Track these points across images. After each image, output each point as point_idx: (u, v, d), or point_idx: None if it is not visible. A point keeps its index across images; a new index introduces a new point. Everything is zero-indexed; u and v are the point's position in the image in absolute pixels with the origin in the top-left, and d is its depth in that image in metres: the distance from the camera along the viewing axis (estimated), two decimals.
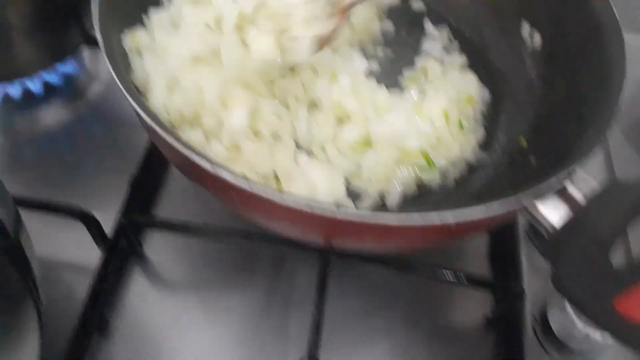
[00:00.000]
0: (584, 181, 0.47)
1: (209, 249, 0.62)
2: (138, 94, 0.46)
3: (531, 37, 0.66)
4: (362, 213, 0.39)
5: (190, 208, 0.64)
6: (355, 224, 0.40)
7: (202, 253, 0.62)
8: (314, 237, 0.48)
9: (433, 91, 0.65)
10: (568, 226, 0.45)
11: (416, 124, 0.59)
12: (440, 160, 0.60)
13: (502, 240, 0.65)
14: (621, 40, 0.52)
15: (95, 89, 0.77)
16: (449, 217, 0.40)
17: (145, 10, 0.61)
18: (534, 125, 0.61)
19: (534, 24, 0.65)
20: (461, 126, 0.62)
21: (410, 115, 0.60)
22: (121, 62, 0.49)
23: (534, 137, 0.61)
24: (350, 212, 0.39)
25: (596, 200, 0.45)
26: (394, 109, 0.60)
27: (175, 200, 0.66)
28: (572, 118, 0.53)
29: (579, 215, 0.45)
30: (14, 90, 0.70)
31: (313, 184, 0.54)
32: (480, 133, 0.65)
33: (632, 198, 0.43)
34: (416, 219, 0.40)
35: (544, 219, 0.46)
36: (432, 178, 0.60)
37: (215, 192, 0.47)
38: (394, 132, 0.58)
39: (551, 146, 0.56)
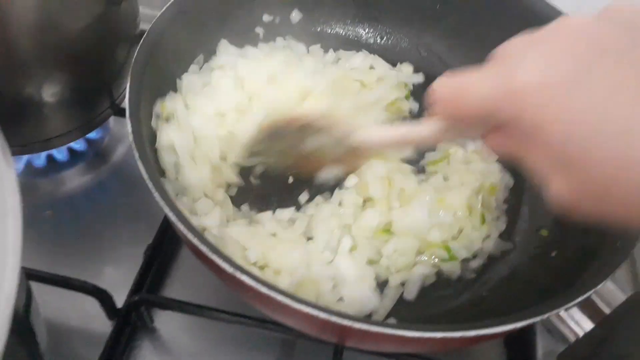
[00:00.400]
0: (608, 291, 0.46)
1: (221, 328, 0.61)
2: (162, 185, 0.46)
3: None
4: (378, 325, 0.38)
5: (204, 285, 0.63)
6: (371, 333, 0.39)
7: (214, 332, 0.61)
8: (328, 337, 0.47)
9: (456, 178, 0.64)
10: (589, 337, 0.44)
11: (438, 215, 0.59)
12: (462, 251, 0.59)
13: (519, 334, 0.63)
14: None
15: (119, 152, 0.78)
16: (470, 332, 0.39)
17: (174, 80, 0.64)
18: (556, 219, 0.61)
19: None
20: (483, 220, 0.61)
21: (433, 206, 0.59)
22: (149, 151, 0.50)
23: (556, 230, 0.60)
24: (366, 323, 0.39)
25: (619, 312, 0.44)
26: (418, 198, 0.60)
27: (187, 277, 0.65)
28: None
29: (602, 327, 0.44)
30: (38, 160, 0.71)
31: (342, 277, 0.53)
32: (502, 222, 0.64)
33: None
34: (435, 333, 0.39)
35: (566, 327, 0.45)
36: (452, 269, 0.59)
37: (230, 287, 0.47)
38: (416, 221, 0.58)
39: (573, 244, 0.56)
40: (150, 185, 0.46)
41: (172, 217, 0.43)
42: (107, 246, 0.68)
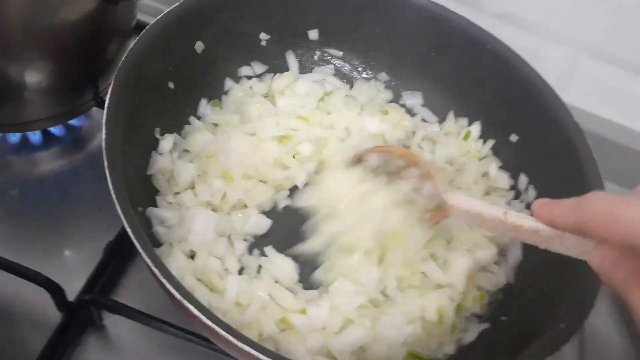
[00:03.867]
0: None
1: (169, 338, 0.61)
2: (124, 192, 0.46)
3: (526, 190, 0.67)
4: None
5: (157, 295, 0.63)
6: None
7: (162, 341, 0.61)
8: None
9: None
10: None
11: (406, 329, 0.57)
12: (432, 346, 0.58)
13: None
14: None
15: (97, 141, 0.77)
16: None
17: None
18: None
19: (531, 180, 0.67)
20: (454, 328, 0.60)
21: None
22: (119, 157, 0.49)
23: (506, 298, 0.62)
24: None
25: None
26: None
27: (143, 282, 0.65)
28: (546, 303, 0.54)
29: None
30: (14, 136, 0.70)
31: None
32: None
33: None
34: None
35: None
36: None
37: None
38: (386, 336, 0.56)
39: (521, 316, 0.57)
40: (111, 188, 0.46)
41: (127, 228, 0.43)
42: (69, 234, 0.68)
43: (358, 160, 0.62)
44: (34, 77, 0.59)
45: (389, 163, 0.59)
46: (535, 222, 0.44)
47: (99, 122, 0.79)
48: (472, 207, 0.50)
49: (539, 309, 0.55)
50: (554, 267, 0.57)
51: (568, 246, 0.43)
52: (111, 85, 0.52)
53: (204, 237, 0.58)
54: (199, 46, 0.68)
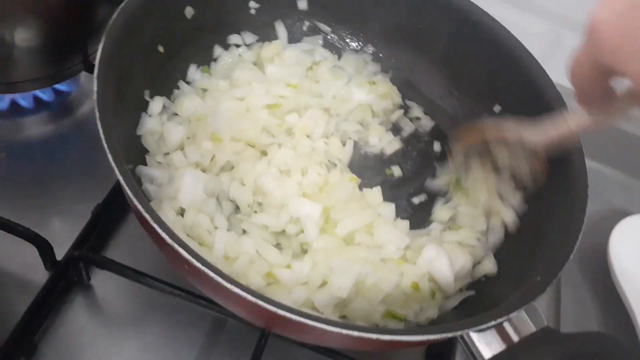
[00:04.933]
0: (522, 321, 0.49)
1: (155, 296, 0.62)
2: (117, 149, 0.46)
3: None
4: (300, 315, 0.40)
5: (145, 253, 0.64)
6: (293, 322, 0.41)
7: (148, 299, 0.62)
8: (256, 321, 0.49)
9: None
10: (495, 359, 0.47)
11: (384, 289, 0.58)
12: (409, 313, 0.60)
13: (440, 348, 0.66)
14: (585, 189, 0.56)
15: (85, 107, 0.77)
16: (385, 336, 0.41)
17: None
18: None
19: None
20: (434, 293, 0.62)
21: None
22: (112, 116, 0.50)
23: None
24: (289, 311, 0.40)
25: (527, 342, 0.47)
26: None
27: (132, 241, 0.66)
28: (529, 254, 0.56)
29: (508, 352, 0.47)
30: (2, 103, 0.70)
31: None
32: None
33: (560, 348, 0.45)
34: (353, 332, 0.41)
35: (476, 349, 0.48)
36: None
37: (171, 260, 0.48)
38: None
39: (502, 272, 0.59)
40: (105, 145, 0.46)
41: (119, 176, 0.44)
42: (57, 198, 0.68)
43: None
44: (22, 36, 0.60)
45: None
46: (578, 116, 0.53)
47: (87, 88, 0.79)
48: (545, 134, 0.57)
49: (519, 267, 0.57)
50: (532, 233, 0.60)
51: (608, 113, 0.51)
52: (101, 43, 0.52)
53: (193, 196, 0.59)
54: (189, 11, 0.68)
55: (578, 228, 0.53)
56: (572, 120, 0.54)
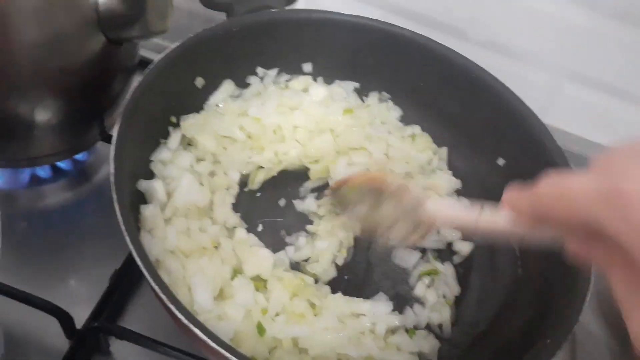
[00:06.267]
0: None
1: None
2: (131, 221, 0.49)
3: None
4: None
5: (162, 319, 0.65)
6: None
7: None
8: None
9: None
10: None
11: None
12: None
13: None
14: None
15: (102, 172, 0.79)
16: None
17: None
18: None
19: None
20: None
21: None
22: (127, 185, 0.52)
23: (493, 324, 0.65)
24: None
25: None
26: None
27: (150, 307, 0.67)
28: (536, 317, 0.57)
29: None
30: (22, 176, 0.73)
31: None
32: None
33: None
34: None
35: None
36: None
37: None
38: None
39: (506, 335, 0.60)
40: (120, 219, 0.48)
41: (134, 253, 0.46)
42: (76, 264, 0.70)
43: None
44: (42, 115, 0.62)
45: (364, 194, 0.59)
46: (507, 218, 0.43)
47: (103, 155, 0.82)
48: (449, 211, 0.51)
49: (528, 326, 0.58)
50: (543, 288, 0.60)
51: (539, 235, 0.42)
52: (117, 124, 0.55)
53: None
54: (199, 82, 0.71)
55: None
56: (493, 216, 0.45)
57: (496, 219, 0.44)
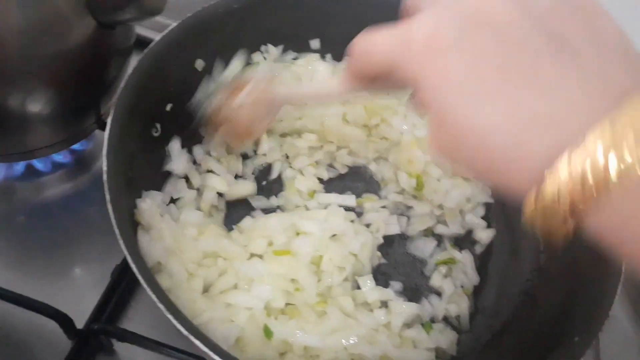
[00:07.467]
0: None
1: None
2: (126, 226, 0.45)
3: None
4: None
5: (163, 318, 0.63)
6: None
7: None
8: None
9: None
10: None
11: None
12: None
13: None
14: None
15: (100, 163, 0.76)
16: None
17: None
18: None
19: None
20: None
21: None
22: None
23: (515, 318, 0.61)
24: None
25: None
26: None
27: (151, 305, 0.64)
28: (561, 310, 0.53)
29: None
30: (16, 167, 0.70)
31: None
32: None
33: None
34: None
35: None
36: None
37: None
38: None
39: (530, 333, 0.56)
40: (114, 224, 0.45)
41: (132, 265, 0.43)
42: (76, 258, 0.68)
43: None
44: (35, 106, 0.59)
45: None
46: (337, 82, 0.46)
47: (102, 143, 0.78)
48: (293, 93, 0.57)
49: (553, 320, 0.54)
50: (569, 277, 0.56)
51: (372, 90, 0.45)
52: (110, 115, 0.51)
53: None
54: (199, 64, 0.67)
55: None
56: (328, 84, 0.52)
57: (331, 85, 0.48)
